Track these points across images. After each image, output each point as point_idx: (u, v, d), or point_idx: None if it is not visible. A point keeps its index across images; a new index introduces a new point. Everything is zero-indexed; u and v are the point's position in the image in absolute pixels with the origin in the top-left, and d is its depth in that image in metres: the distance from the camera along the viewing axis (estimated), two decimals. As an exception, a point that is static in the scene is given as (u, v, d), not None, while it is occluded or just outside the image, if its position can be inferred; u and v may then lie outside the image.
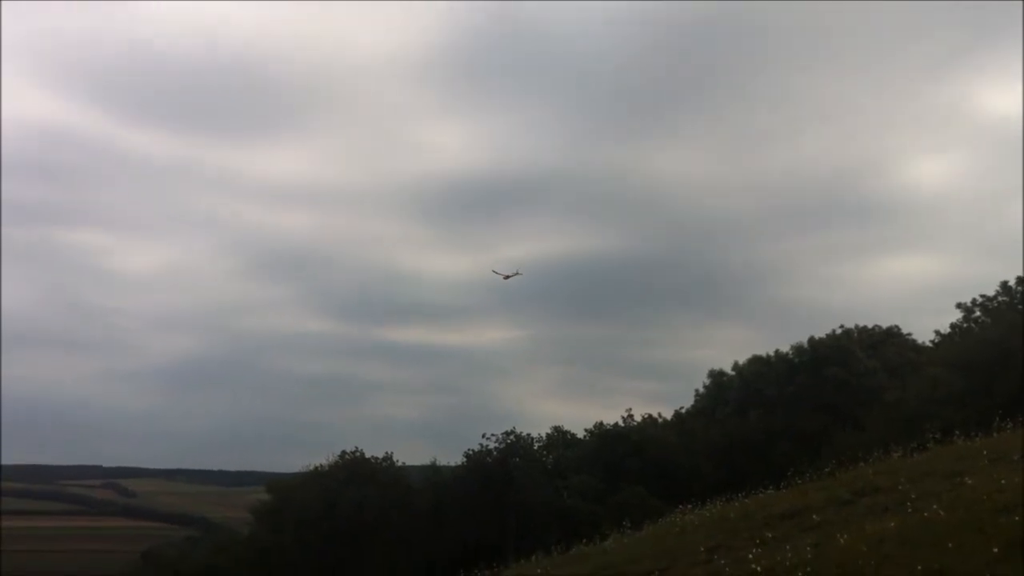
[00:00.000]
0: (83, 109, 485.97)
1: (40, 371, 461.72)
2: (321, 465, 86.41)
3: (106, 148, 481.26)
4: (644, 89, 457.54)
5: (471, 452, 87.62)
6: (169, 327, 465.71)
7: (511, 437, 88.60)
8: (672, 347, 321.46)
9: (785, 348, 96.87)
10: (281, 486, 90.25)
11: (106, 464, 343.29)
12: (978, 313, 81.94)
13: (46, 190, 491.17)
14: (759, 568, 22.68)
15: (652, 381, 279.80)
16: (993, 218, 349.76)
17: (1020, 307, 76.23)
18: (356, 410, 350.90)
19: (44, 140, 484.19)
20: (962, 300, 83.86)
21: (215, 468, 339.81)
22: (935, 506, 23.52)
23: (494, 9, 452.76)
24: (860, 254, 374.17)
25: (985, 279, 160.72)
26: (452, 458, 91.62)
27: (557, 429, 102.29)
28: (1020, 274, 79.40)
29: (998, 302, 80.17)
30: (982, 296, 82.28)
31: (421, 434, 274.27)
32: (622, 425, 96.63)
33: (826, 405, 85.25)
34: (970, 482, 26.28)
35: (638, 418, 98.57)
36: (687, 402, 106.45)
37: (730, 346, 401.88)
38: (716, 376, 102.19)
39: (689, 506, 42.74)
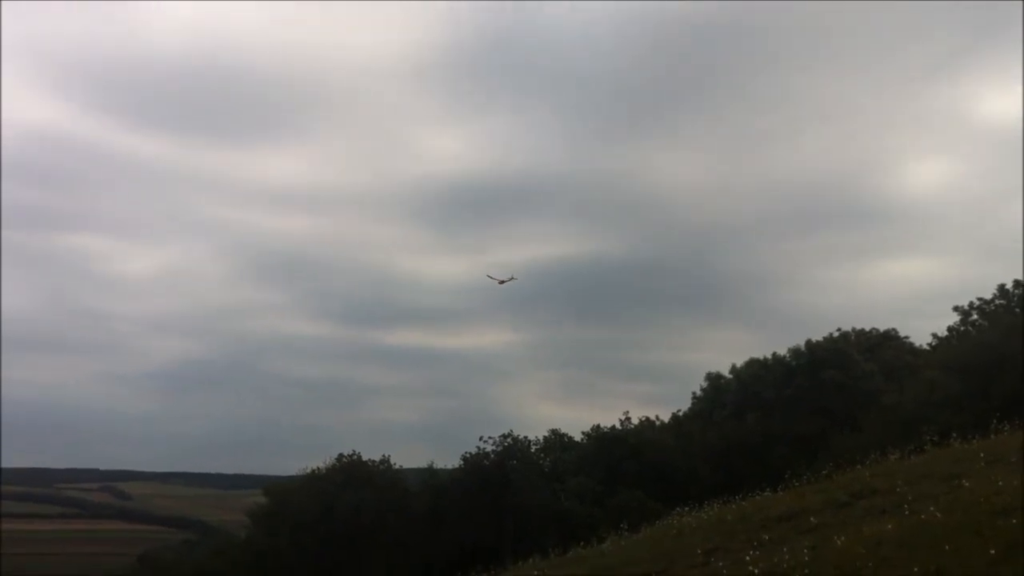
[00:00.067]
0: (82, 112, 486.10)
1: (38, 374, 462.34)
2: (318, 468, 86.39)
3: (105, 151, 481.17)
4: (644, 90, 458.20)
5: (468, 455, 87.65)
6: (167, 330, 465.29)
7: (508, 440, 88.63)
8: (669, 350, 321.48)
9: (783, 351, 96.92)
10: (278, 489, 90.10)
11: (103, 467, 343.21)
12: (975, 316, 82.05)
13: (45, 194, 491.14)
14: (756, 570, 22.72)
15: (649, 384, 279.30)
16: (992, 220, 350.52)
17: (1017, 310, 76.28)
18: (353, 413, 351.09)
19: (43, 144, 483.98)
20: (959, 303, 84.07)
21: (212, 471, 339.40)
22: (932, 508, 23.54)
23: (494, 10, 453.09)
24: (858, 256, 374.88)
25: (983, 282, 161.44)
26: (449, 461, 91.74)
27: (554, 432, 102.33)
28: (1018, 277, 79.58)
29: (995, 305, 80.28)
30: (979, 299, 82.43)
31: (418, 437, 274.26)
32: (619, 428, 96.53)
33: (823, 408, 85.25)
34: (967, 484, 26.30)
35: (635, 421, 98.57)
36: (684, 405, 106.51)
37: (728, 349, 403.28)
38: (713, 379, 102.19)
39: (686, 509, 42.73)
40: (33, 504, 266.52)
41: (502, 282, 76.02)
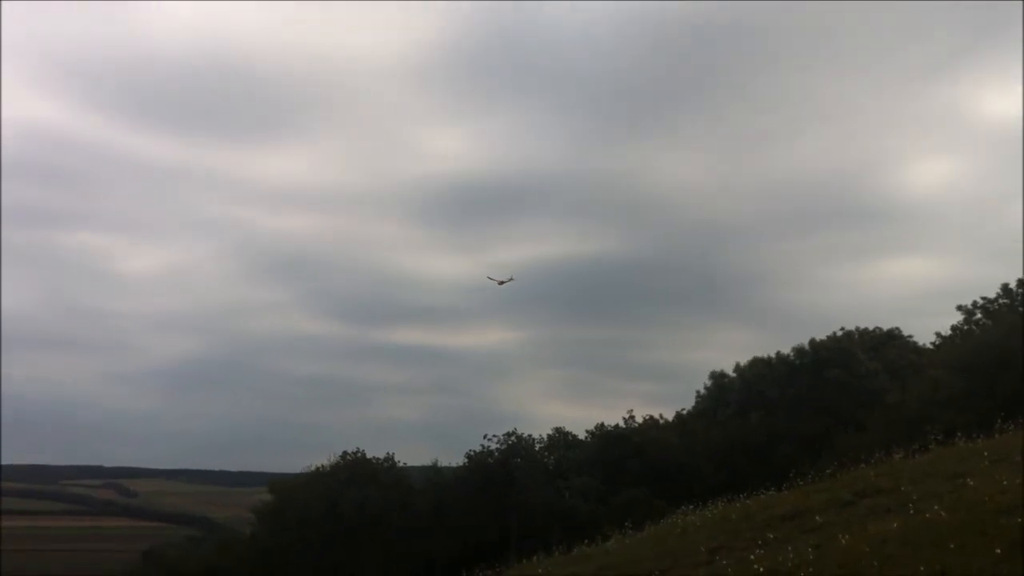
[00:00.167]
0: (84, 111, 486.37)
1: (42, 372, 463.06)
2: (323, 466, 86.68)
3: (107, 150, 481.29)
4: (644, 90, 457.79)
5: (472, 453, 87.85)
6: (170, 329, 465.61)
7: (512, 438, 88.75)
8: (673, 349, 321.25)
9: (786, 350, 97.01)
10: (283, 486, 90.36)
11: (107, 464, 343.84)
12: (979, 315, 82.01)
13: (47, 192, 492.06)
14: (761, 569, 22.77)
15: (653, 383, 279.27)
16: (994, 220, 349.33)
17: (1021, 309, 76.28)
18: (357, 411, 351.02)
19: (45, 142, 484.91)
20: (963, 302, 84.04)
21: (216, 468, 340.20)
22: (937, 507, 23.58)
23: (494, 10, 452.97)
24: (861, 256, 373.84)
25: (986, 281, 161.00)
26: (453, 459, 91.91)
27: (558, 430, 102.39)
28: (1021, 276, 79.50)
29: (999, 304, 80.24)
30: (983, 298, 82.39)
31: (422, 435, 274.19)
32: (623, 426, 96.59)
33: (827, 407, 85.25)
34: (972, 483, 26.33)
35: (639, 419, 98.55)
36: (688, 403, 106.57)
37: (731, 348, 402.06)
38: (717, 378, 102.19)
39: (690, 507, 42.69)
40: (38, 501, 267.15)
41: (501, 283, 75.97)
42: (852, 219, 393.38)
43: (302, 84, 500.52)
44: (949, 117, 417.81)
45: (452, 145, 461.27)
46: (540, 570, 37.51)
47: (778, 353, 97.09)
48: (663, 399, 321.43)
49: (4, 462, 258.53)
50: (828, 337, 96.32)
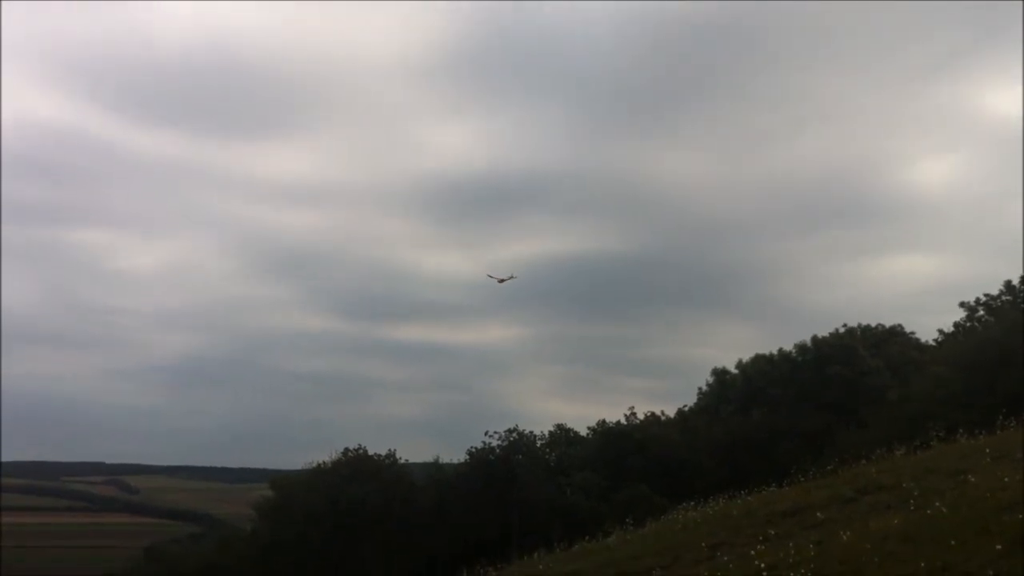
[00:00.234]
0: (86, 109, 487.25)
1: (44, 369, 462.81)
2: (324, 462, 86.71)
3: (109, 148, 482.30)
4: (646, 89, 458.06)
5: (474, 449, 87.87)
6: (172, 325, 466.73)
7: (514, 435, 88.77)
8: (675, 346, 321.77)
9: (788, 347, 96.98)
10: (285, 483, 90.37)
11: (109, 461, 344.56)
12: (981, 312, 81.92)
13: (50, 190, 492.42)
14: (762, 565, 22.69)
15: (654, 379, 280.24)
16: (996, 217, 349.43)
17: (1023, 306, 76.15)
18: (359, 408, 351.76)
19: (47, 140, 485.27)
20: (965, 299, 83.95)
21: (218, 465, 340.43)
22: (938, 504, 23.57)
23: (496, 9, 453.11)
24: (863, 253, 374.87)
25: (989, 278, 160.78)
26: (455, 456, 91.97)
27: (560, 427, 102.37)
28: (1023, 273, 79.42)
29: (1001, 301, 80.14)
30: (986, 295, 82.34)
31: (424, 432, 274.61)
32: (625, 423, 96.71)
33: (829, 404, 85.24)
34: (973, 480, 26.29)
35: (641, 416, 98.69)
36: (690, 400, 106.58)
37: (733, 345, 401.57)
38: (719, 374, 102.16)
39: (692, 503, 42.73)
40: (40, 498, 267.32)
41: (501, 280, 75.92)
42: (854, 217, 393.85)
43: (304, 81, 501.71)
44: (950, 116, 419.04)
45: (454, 143, 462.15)
46: (541, 566, 37.49)
47: (780, 350, 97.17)
48: (664, 396, 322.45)
49: (6, 459, 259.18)
50: (830, 334, 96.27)
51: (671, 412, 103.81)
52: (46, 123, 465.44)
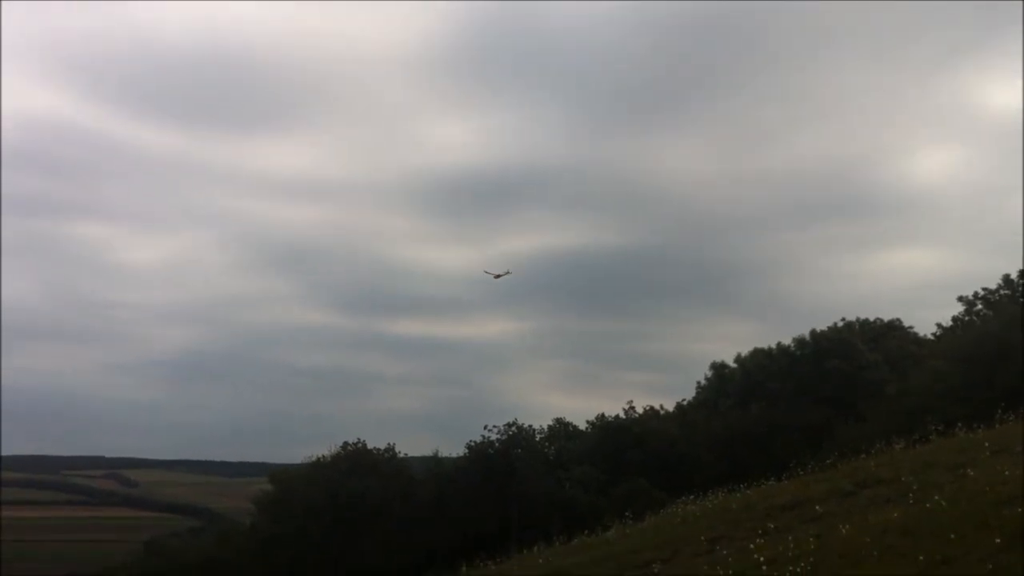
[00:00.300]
0: (86, 103, 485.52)
1: (43, 363, 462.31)
2: (323, 456, 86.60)
3: (110, 141, 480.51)
4: (646, 84, 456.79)
5: (473, 443, 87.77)
6: (171, 320, 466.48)
7: (513, 429, 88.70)
8: (673, 340, 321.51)
9: (787, 341, 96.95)
10: (284, 476, 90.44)
11: (108, 455, 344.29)
12: (980, 306, 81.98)
13: (49, 183, 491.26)
14: (761, 558, 22.79)
15: (653, 374, 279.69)
16: (995, 211, 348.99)
17: (1022, 300, 76.18)
18: (358, 402, 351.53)
19: (47, 134, 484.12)
20: (964, 294, 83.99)
21: (217, 459, 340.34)
22: (937, 497, 23.60)
23: (497, 6, 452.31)
24: (861, 247, 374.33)
25: (987, 272, 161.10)
26: (454, 450, 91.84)
27: (559, 421, 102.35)
28: (1022, 267, 79.42)
29: (1000, 295, 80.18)
30: (984, 289, 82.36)
31: (423, 426, 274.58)
32: (624, 417, 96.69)
33: (828, 398, 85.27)
34: (972, 474, 26.35)
35: (640, 410, 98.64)
36: (689, 394, 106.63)
37: (731, 339, 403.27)
38: (718, 368, 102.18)
39: (691, 497, 42.83)
40: (39, 491, 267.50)
41: (498, 276, 75.84)
42: (853, 211, 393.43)
43: (305, 77, 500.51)
44: (950, 110, 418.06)
45: (454, 137, 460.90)
46: (541, 560, 37.63)
47: (779, 344, 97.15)
48: (663, 390, 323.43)
49: (5, 453, 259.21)
50: (829, 328, 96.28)
51: (670, 406, 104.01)
52: (45, 117, 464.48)
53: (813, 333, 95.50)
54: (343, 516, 78.60)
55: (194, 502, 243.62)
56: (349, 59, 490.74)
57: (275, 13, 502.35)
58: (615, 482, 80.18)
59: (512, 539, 68.87)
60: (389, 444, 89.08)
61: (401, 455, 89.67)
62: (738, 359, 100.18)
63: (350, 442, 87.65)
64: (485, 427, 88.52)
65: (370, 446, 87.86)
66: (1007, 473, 23.97)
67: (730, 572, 23.03)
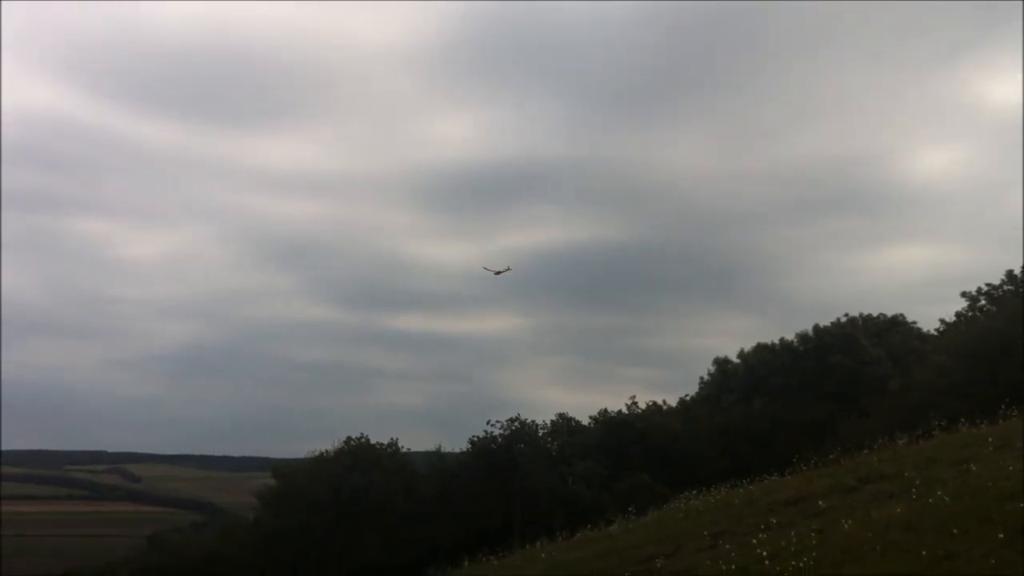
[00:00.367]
0: (87, 97, 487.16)
1: (45, 358, 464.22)
2: (326, 451, 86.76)
3: (109, 137, 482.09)
4: (648, 81, 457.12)
5: (476, 439, 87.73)
6: (172, 315, 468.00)
7: (516, 424, 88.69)
8: (676, 335, 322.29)
9: (790, 336, 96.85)
10: (287, 471, 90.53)
11: (111, 449, 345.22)
12: (983, 302, 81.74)
13: (49, 179, 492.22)
14: (764, 553, 22.77)
15: (656, 369, 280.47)
16: (998, 207, 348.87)
17: (1025, 296, 76.06)
18: (360, 397, 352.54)
19: (47, 129, 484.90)
20: (967, 289, 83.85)
21: (219, 454, 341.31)
22: (940, 493, 23.56)
23: (499, 1, 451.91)
24: (864, 242, 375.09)
25: (991, 268, 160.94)
26: (457, 445, 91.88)
27: (561, 416, 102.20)
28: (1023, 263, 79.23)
29: (1004, 291, 79.98)
30: (987, 285, 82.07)
31: (426, 421, 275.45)
32: (626, 412, 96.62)
33: (831, 393, 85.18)
34: (975, 469, 26.29)
35: (642, 405, 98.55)
36: (691, 390, 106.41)
37: (734, 334, 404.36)
38: (721, 364, 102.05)
39: (694, 492, 42.81)
40: (42, 486, 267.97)
41: (497, 273, 75.82)
42: (855, 207, 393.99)
43: (305, 71, 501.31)
44: (951, 106, 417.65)
45: (455, 132, 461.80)
46: (543, 555, 37.64)
47: (782, 339, 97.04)
48: (666, 385, 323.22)
49: (7, 448, 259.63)
50: (832, 323, 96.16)
51: (673, 401, 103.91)
52: (45, 112, 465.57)
53: (816, 328, 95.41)
54: (346, 511, 78.67)
55: (197, 497, 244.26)
56: (350, 54, 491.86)
57: (277, 8, 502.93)
58: (618, 477, 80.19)
59: (515, 534, 68.88)
60: (392, 439, 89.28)
61: (404, 450, 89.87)
62: (741, 354, 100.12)
63: (353, 437, 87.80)
64: (488, 422, 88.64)
65: (373, 441, 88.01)
66: (1010, 468, 23.95)
67: (732, 567, 23.01)
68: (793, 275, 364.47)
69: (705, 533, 29.27)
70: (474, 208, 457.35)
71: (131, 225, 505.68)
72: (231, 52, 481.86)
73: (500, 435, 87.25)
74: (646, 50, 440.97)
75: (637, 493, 64.94)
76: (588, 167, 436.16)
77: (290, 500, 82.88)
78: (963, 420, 38.29)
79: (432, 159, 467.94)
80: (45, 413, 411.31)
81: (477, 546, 52.50)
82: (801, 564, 20.70)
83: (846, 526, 23.21)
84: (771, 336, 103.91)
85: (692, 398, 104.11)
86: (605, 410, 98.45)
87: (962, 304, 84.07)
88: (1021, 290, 77.66)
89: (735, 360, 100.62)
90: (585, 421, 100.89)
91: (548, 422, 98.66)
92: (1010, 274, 79.94)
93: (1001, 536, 17.79)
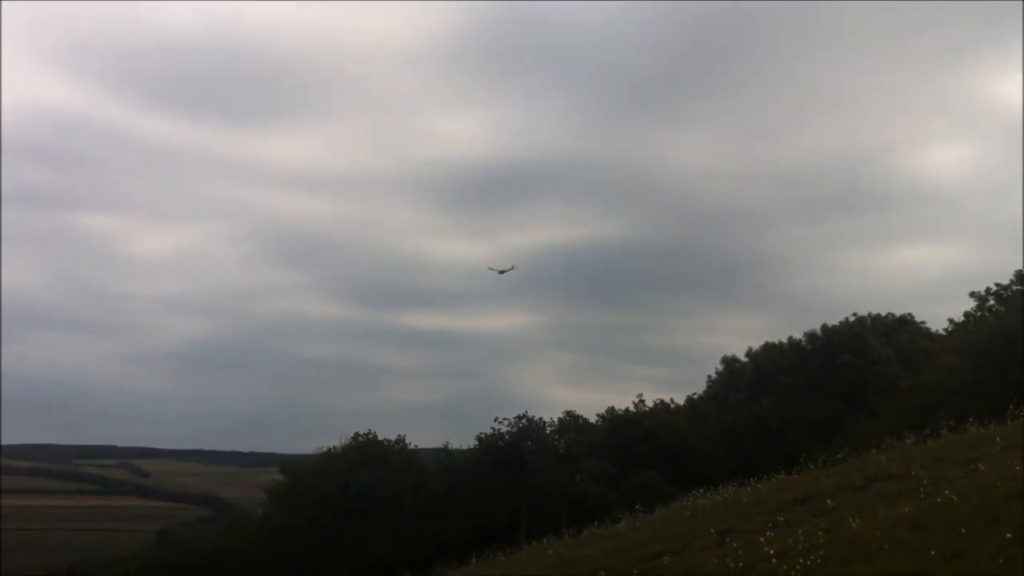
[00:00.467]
0: (96, 95, 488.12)
1: (55, 353, 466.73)
2: (334, 447, 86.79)
3: (120, 134, 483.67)
4: (655, 79, 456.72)
5: (484, 436, 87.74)
6: (182, 311, 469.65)
7: (523, 421, 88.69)
8: (684, 334, 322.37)
9: (798, 335, 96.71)
10: (295, 467, 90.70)
11: (120, 444, 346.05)
12: (992, 302, 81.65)
13: (61, 175, 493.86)
14: (771, 551, 22.79)
15: (663, 367, 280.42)
16: (1007, 207, 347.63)
17: (1034, 296, 75.91)
18: (369, 394, 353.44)
19: (57, 126, 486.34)
20: (976, 289, 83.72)
21: (228, 449, 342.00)
22: (948, 492, 23.56)
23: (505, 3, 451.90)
24: (873, 242, 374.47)
25: (1000, 268, 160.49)
26: (465, 442, 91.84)
27: (569, 414, 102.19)
28: (1032, 262, 79.04)
29: (1012, 291, 79.83)
30: (996, 284, 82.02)
31: (434, 418, 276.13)
32: (634, 410, 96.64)
33: (839, 392, 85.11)
34: (983, 469, 26.32)
35: (650, 403, 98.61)
36: (699, 388, 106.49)
37: (742, 333, 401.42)
38: (729, 362, 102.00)
39: (701, 491, 42.81)
40: (51, 480, 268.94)
41: (502, 272, 75.76)
42: (864, 206, 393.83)
43: (315, 69, 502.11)
44: (961, 104, 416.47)
45: (465, 130, 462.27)
46: (550, 552, 37.68)
47: (790, 338, 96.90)
48: (673, 384, 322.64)
49: (18, 441, 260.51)
50: (840, 323, 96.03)
51: (680, 400, 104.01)
52: (53, 108, 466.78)
53: (824, 328, 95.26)
54: (354, 507, 78.77)
55: (205, 492, 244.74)
56: (360, 51, 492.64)
57: (285, 5, 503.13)
58: (625, 475, 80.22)
59: (522, 531, 68.99)
60: (399, 435, 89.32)
61: (411, 446, 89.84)
62: (749, 353, 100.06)
63: (361, 433, 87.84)
64: (495, 419, 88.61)
65: (380, 437, 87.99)
66: (1018, 468, 23.91)
67: (740, 565, 23.04)
68: (801, 274, 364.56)
69: (712, 531, 29.29)
70: (482, 206, 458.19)
71: (140, 222, 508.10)
72: (241, 50, 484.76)
73: (508, 432, 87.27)
74: (651, 49, 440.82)
75: (644, 491, 64.95)
76: (596, 165, 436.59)
77: (298, 496, 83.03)
78: (971, 420, 38.24)
79: (441, 157, 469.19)
80: (55, 408, 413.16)
81: (484, 543, 52.50)
82: (808, 562, 20.73)
83: (854, 525, 23.22)
84: (779, 335, 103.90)
85: (700, 396, 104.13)
86: (612, 408, 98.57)
87: (971, 304, 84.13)
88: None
89: (743, 359, 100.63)
90: (592, 419, 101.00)
91: (555, 420, 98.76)
92: (1019, 274, 79.80)
93: (1009, 535, 17.82)
